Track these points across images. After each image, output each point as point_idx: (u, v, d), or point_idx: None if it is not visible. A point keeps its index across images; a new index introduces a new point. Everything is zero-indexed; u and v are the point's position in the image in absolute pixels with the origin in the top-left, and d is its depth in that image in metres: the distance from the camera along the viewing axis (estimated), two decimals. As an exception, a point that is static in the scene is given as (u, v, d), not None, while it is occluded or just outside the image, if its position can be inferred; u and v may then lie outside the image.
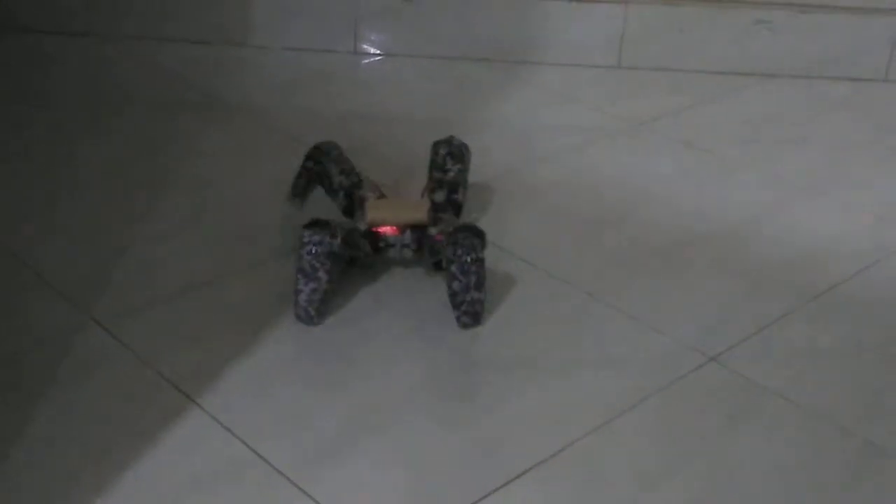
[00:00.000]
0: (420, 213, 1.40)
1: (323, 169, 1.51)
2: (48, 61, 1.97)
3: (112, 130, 1.76)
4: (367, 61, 2.11)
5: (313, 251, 1.31)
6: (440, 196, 1.47)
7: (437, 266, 1.40)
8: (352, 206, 1.47)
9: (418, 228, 1.39)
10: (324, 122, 1.84)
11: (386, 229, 1.39)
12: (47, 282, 1.37)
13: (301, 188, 1.54)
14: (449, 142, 1.54)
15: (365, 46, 2.11)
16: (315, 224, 1.33)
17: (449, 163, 1.51)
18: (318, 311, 1.32)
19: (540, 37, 2.09)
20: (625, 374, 1.28)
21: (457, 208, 1.48)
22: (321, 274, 1.31)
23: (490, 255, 1.35)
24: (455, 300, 1.33)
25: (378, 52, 2.12)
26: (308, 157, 1.53)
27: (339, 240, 1.32)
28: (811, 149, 1.85)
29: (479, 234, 1.33)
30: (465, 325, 1.33)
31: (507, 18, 2.08)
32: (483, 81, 2.03)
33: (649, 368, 1.29)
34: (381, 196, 1.47)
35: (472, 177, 1.58)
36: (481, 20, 2.08)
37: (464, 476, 1.12)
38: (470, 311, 1.33)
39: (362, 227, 1.39)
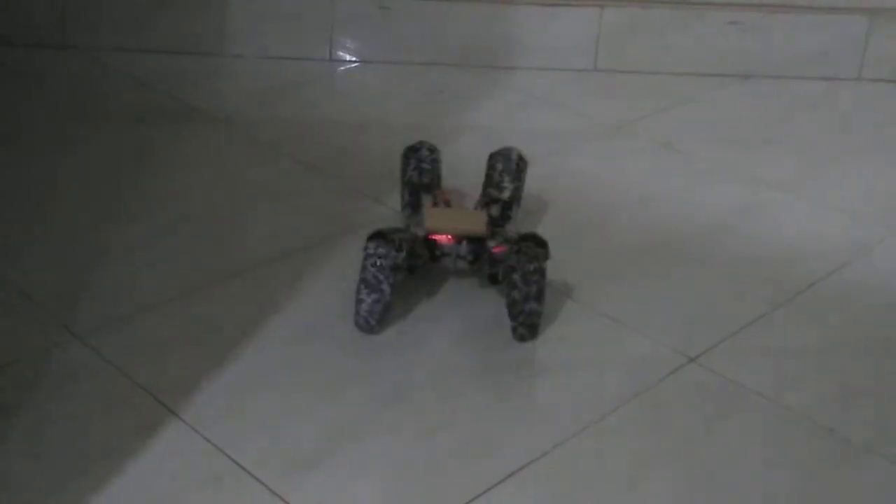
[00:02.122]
0: (478, 226, 1.39)
1: (405, 162, 1.54)
2: (23, 74, 1.96)
3: (88, 142, 1.75)
4: (342, 69, 2.10)
5: (378, 263, 1.31)
6: (496, 210, 1.47)
7: (493, 279, 1.40)
8: (415, 202, 1.49)
9: (475, 240, 1.39)
10: (301, 130, 1.84)
11: (442, 238, 1.39)
12: (26, 295, 1.36)
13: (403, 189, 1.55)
14: (507, 156, 1.53)
15: (340, 54, 2.11)
16: (379, 236, 1.33)
17: (506, 181, 1.50)
18: (378, 321, 1.32)
19: (515, 41, 2.09)
20: (606, 376, 1.28)
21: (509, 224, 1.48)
22: (385, 286, 1.31)
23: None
24: (513, 310, 1.31)
25: (354, 59, 2.11)
26: (403, 155, 1.56)
27: (404, 253, 1.32)
28: (787, 148, 1.86)
29: (543, 244, 1.33)
30: (521, 338, 1.32)
31: (482, 23, 2.08)
32: (459, 87, 2.03)
33: (630, 370, 1.29)
34: (447, 205, 1.48)
35: (451, 183, 1.58)
36: (456, 26, 2.08)
37: (445, 481, 1.12)
38: (527, 323, 1.31)
39: (420, 233, 1.39)
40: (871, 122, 1.97)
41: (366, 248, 1.32)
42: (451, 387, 1.27)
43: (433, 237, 1.39)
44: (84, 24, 2.05)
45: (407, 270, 1.34)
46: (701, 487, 1.12)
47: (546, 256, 1.32)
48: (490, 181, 1.51)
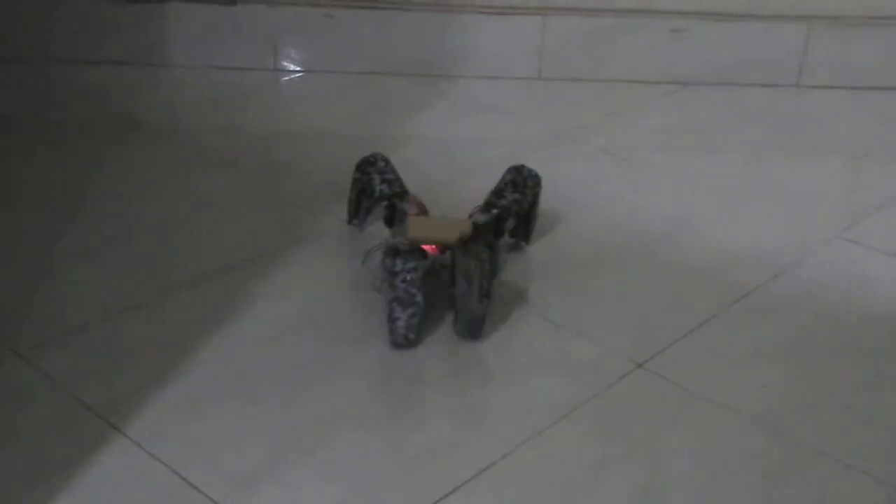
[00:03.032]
0: (461, 234, 1.38)
1: (367, 178, 1.52)
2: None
3: (35, 153, 1.73)
4: (287, 78, 2.10)
5: (409, 278, 1.30)
6: (483, 218, 1.46)
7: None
8: (393, 216, 1.48)
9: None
10: (246, 140, 1.83)
11: (426, 248, 1.37)
12: (-37, 312, 1.33)
13: (353, 205, 1.55)
14: (518, 170, 1.53)
15: (285, 63, 2.10)
16: (400, 251, 1.31)
17: (508, 190, 1.50)
18: (416, 334, 1.31)
19: (460, 50, 2.10)
20: (555, 384, 1.28)
21: (502, 235, 1.47)
22: (419, 298, 1.30)
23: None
24: (455, 306, 1.32)
25: (299, 68, 2.11)
26: (356, 169, 1.54)
27: (429, 260, 1.31)
28: (729, 155, 1.88)
29: (492, 246, 1.33)
30: (460, 334, 1.32)
31: (427, 32, 2.08)
32: (405, 96, 2.03)
33: (579, 377, 1.29)
34: (423, 212, 1.47)
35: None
36: (401, 35, 2.08)
37: (401, 490, 1.11)
38: (466, 320, 1.31)
39: (401, 245, 1.37)
40: (811, 128, 2.01)
41: (392, 267, 1.30)
42: (401, 396, 1.26)
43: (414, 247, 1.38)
44: (28, 36, 2.02)
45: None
46: (653, 493, 1.13)
47: (490, 257, 1.32)
48: (496, 188, 1.51)
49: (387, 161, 1.53)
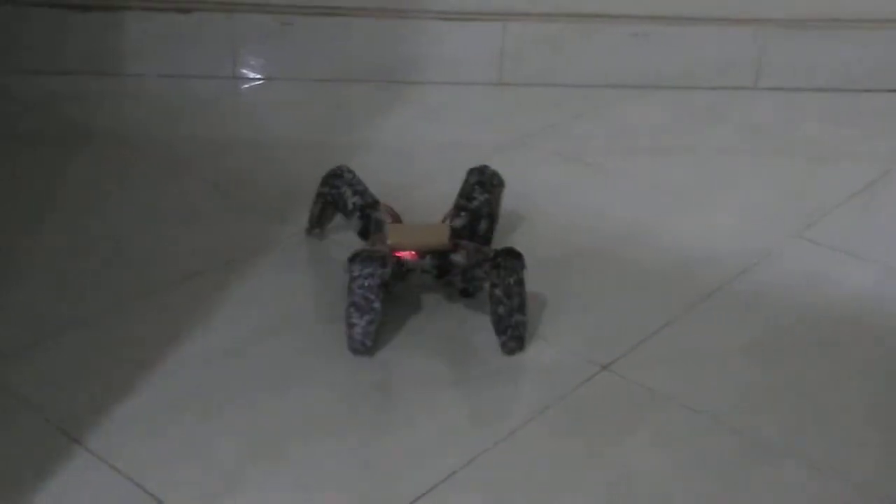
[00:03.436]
0: (441, 238, 1.39)
1: (337, 192, 1.50)
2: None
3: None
4: (247, 86, 2.08)
5: (366, 284, 1.29)
6: (459, 222, 1.45)
7: (465, 293, 1.40)
8: (367, 227, 1.47)
9: (438, 254, 1.38)
10: (205, 149, 1.81)
11: (406, 254, 1.37)
12: (-83, 327, 1.31)
13: (316, 216, 1.54)
14: (482, 170, 1.53)
15: (244, 71, 2.09)
16: (362, 256, 1.31)
17: (477, 191, 1.49)
18: (373, 341, 1.30)
19: (419, 56, 2.10)
20: (521, 388, 1.28)
21: (478, 238, 1.46)
22: (376, 305, 1.29)
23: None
24: (500, 325, 1.31)
25: (258, 76, 2.09)
26: (322, 183, 1.52)
27: (389, 269, 1.30)
28: (688, 157, 1.90)
29: (518, 256, 1.33)
30: (510, 351, 1.32)
31: (386, 39, 2.08)
32: (365, 102, 2.02)
33: (544, 380, 1.29)
34: (397, 220, 1.46)
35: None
36: (360, 41, 2.08)
37: (367, 499, 1.10)
38: (515, 335, 1.32)
39: (384, 250, 1.37)
40: (767, 130, 2.02)
41: (351, 271, 1.30)
42: (366, 404, 1.26)
43: (397, 253, 1.37)
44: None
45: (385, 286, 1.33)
46: (620, 495, 1.13)
47: (523, 267, 1.33)
48: (462, 191, 1.51)
49: (353, 173, 1.53)
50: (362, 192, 1.50)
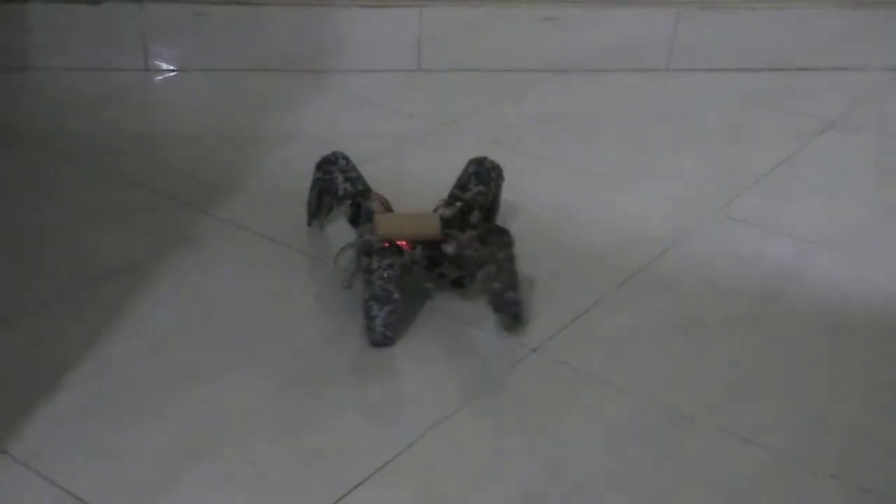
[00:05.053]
0: (432, 229, 1.37)
1: (330, 178, 1.48)
2: None
3: None
4: (160, 78, 2.04)
5: (386, 275, 1.28)
6: (449, 212, 1.44)
7: (457, 283, 1.39)
8: (358, 214, 1.44)
9: (429, 244, 1.37)
10: (119, 143, 1.77)
11: (398, 244, 1.35)
12: None
13: (314, 204, 1.51)
14: (480, 161, 1.51)
15: (157, 63, 2.05)
16: (374, 249, 1.29)
17: (472, 182, 1.48)
18: (394, 332, 1.29)
19: (337, 44, 2.08)
20: (450, 373, 1.28)
21: (470, 230, 1.44)
22: (396, 295, 1.28)
23: (304, 265, 1.32)
24: (497, 302, 1.31)
25: (171, 67, 2.05)
26: (316, 169, 1.50)
27: (406, 257, 1.29)
28: (607, 139, 1.91)
29: (505, 232, 1.33)
30: (508, 327, 1.32)
31: (302, 27, 2.06)
32: (282, 92, 2.00)
33: (473, 365, 1.30)
34: (388, 209, 1.44)
35: (287, 189, 1.55)
36: (276, 30, 2.05)
37: (301, 491, 1.09)
38: (511, 312, 1.32)
39: (374, 241, 1.34)
40: (683, 111, 2.05)
41: (369, 265, 1.29)
42: (298, 396, 1.24)
43: (387, 244, 1.35)
44: None
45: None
46: (553, 477, 1.14)
47: (511, 242, 1.33)
48: (459, 181, 1.50)
49: (347, 159, 1.51)
50: (354, 178, 1.48)
